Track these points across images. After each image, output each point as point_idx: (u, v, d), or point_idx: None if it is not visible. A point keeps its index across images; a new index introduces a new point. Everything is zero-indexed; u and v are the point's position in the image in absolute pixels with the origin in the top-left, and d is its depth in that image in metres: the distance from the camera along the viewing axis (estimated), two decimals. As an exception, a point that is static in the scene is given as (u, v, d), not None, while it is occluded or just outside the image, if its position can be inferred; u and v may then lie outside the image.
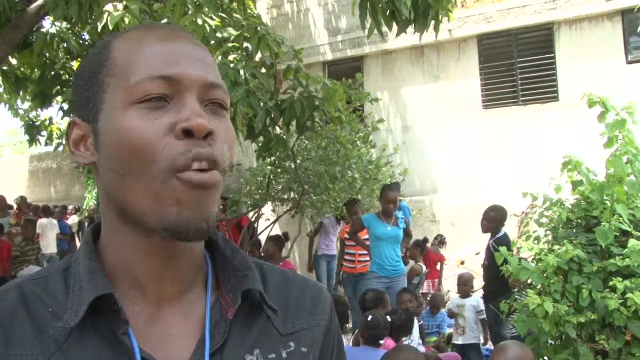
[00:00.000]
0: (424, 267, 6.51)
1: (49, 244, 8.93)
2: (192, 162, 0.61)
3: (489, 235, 4.84)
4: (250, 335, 0.69)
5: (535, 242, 3.52)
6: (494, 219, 4.79)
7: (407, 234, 5.74)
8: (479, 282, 5.62)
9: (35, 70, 6.29)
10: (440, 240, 7.38)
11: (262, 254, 6.48)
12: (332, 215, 7.36)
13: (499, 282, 4.25)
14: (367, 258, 5.74)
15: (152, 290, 0.67)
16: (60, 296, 0.65)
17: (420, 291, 6.48)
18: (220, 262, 0.73)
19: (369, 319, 3.64)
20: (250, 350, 0.67)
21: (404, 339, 4.18)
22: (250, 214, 8.12)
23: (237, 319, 0.68)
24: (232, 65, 4.15)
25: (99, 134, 0.65)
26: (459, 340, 5.02)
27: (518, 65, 8.42)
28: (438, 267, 7.00)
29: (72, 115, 0.71)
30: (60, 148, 7.84)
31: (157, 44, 0.65)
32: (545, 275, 3.16)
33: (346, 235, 6.11)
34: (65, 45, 5.75)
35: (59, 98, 6.09)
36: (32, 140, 7.22)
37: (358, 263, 6.06)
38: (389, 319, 3.87)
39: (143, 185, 0.61)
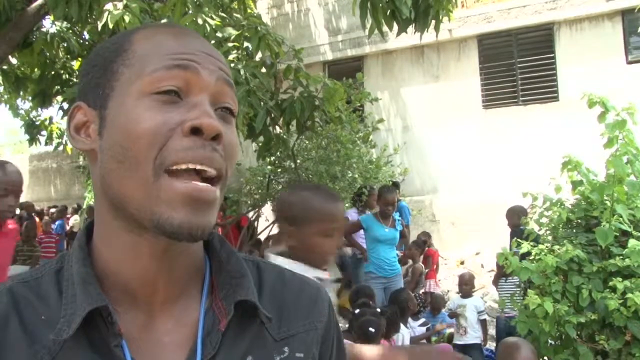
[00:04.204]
0: (424, 267, 6.52)
1: None
2: (195, 163, 0.60)
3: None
4: (242, 343, 0.67)
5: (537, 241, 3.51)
6: (512, 223, 5.22)
7: (402, 235, 5.74)
8: (479, 282, 5.63)
9: (36, 69, 6.30)
10: (429, 236, 7.34)
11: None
12: (354, 210, 6.82)
13: None
14: None
15: (143, 295, 0.65)
16: (52, 302, 0.64)
17: (422, 291, 6.48)
18: (215, 265, 0.71)
19: (356, 312, 3.68)
20: (243, 358, 0.66)
21: (394, 335, 4.22)
22: (250, 214, 8.12)
23: (230, 326, 0.67)
24: (232, 65, 4.15)
25: (105, 120, 0.64)
26: (460, 341, 5.02)
27: (518, 65, 8.42)
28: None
29: (76, 99, 0.69)
30: (60, 148, 7.85)
31: (177, 39, 0.65)
32: (545, 275, 3.16)
33: None
34: (65, 44, 5.75)
35: (59, 98, 6.09)
36: (32, 140, 7.23)
37: None
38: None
39: (139, 177, 0.60)
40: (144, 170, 0.60)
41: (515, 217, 5.27)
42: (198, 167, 0.60)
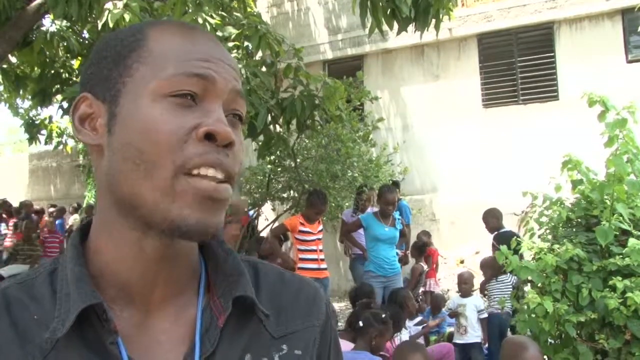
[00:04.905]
0: (425, 266, 6.53)
1: None
2: (208, 167, 0.60)
3: (489, 235, 4.89)
4: (241, 340, 0.67)
5: (538, 239, 3.52)
6: (489, 226, 5.22)
7: (402, 234, 5.75)
8: (478, 281, 5.63)
9: (35, 68, 6.30)
10: (429, 235, 7.33)
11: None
12: (349, 210, 6.87)
13: None
14: (311, 256, 5.24)
15: (141, 293, 0.65)
16: (46, 302, 0.63)
17: (422, 289, 6.49)
18: (212, 265, 0.71)
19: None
20: (241, 356, 0.66)
21: (395, 335, 4.24)
22: (250, 213, 8.12)
23: (229, 323, 0.67)
24: (232, 63, 4.14)
25: (116, 117, 0.63)
26: (460, 340, 5.01)
27: (518, 65, 8.42)
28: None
29: (81, 89, 0.68)
30: (60, 147, 7.85)
31: (195, 43, 0.65)
32: (545, 274, 3.16)
33: (301, 228, 5.19)
34: (65, 43, 5.75)
35: (59, 97, 6.09)
36: (32, 139, 7.23)
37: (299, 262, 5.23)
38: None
39: (155, 180, 0.60)
40: (161, 174, 0.60)
41: (494, 220, 5.23)
42: (210, 173, 0.61)
